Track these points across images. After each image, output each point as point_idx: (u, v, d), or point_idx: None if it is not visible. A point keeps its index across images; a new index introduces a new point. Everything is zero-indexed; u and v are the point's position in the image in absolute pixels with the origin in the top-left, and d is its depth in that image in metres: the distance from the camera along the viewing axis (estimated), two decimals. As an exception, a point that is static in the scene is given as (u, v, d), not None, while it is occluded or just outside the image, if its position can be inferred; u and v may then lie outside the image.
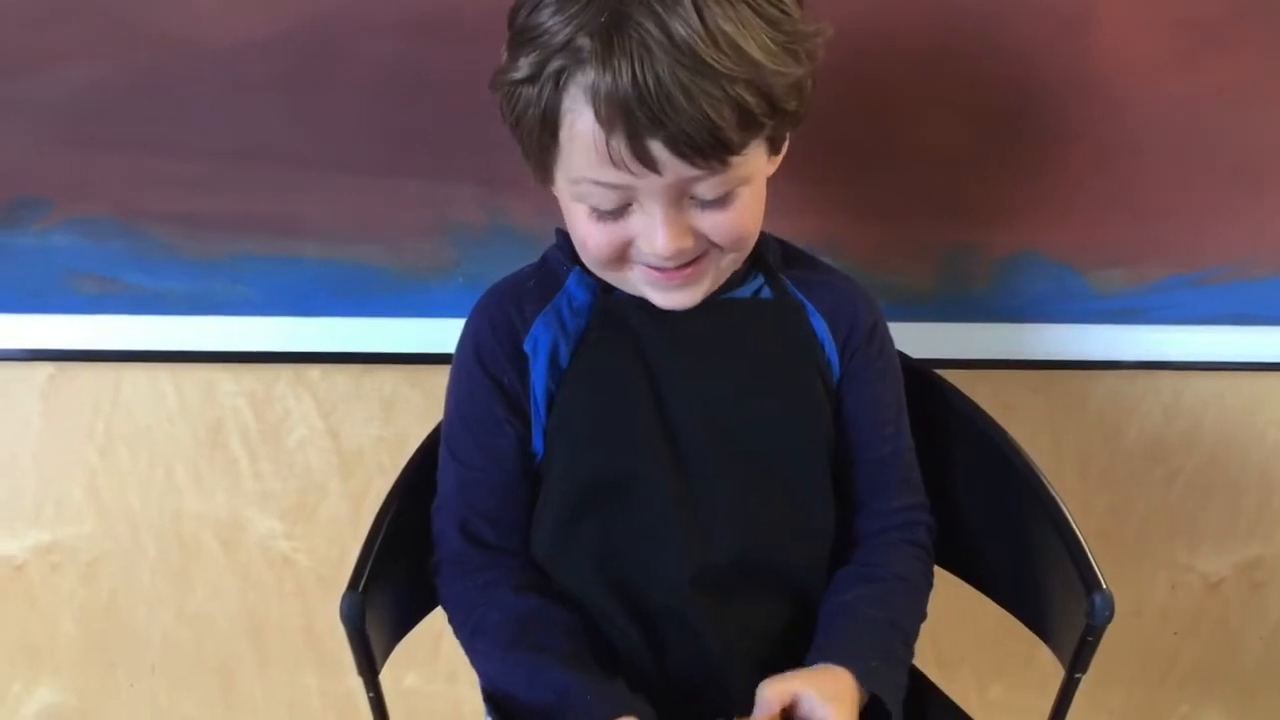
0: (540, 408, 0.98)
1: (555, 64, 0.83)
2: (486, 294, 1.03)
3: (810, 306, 1.02)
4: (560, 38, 0.83)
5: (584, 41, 0.82)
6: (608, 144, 0.83)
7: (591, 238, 0.91)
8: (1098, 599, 0.95)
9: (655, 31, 0.80)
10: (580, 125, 0.84)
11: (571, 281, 1.00)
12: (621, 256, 0.92)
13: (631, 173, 0.84)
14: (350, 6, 1.13)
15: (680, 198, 0.88)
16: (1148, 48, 1.17)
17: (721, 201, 0.89)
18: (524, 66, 0.86)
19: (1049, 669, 1.04)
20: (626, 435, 0.97)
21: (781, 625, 1.01)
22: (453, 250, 1.25)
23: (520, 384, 0.98)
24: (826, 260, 1.22)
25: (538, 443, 0.99)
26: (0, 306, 1.27)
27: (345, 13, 1.13)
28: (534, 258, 1.06)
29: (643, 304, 0.97)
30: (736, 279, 1.01)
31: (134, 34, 1.14)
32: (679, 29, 0.80)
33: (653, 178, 0.85)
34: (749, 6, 0.83)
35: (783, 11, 0.85)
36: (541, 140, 0.88)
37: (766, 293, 1.02)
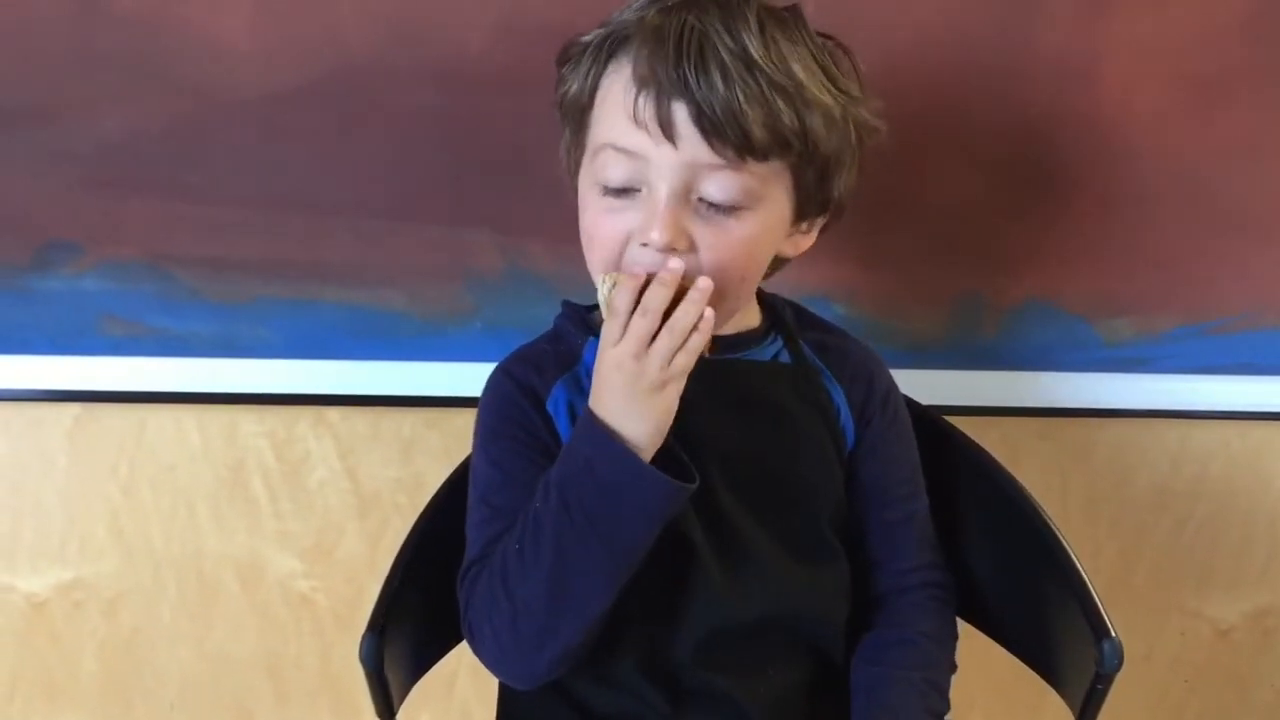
0: None
1: (614, 33, 0.90)
2: (504, 361, 1.03)
3: (827, 372, 1.03)
4: (626, 17, 0.90)
5: (647, 15, 0.88)
6: (636, 98, 0.86)
7: (599, 228, 0.92)
8: (1107, 647, 0.96)
9: (717, 24, 0.86)
10: (615, 85, 0.89)
11: (588, 353, 0.99)
12: (619, 257, 0.92)
13: (649, 136, 0.87)
14: (375, 59, 1.17)
15: (687, 191, 0.88)
16: (1154, 101, 1.19)
17: (727, 212, 0.89)
18: (590, 35, 0.92)
19: (1059, 716, 1.05)
20: None
21: (800, 682, 1.01)
22: (471, 295, 1.27)
23: (552, 439, 0.97)
24: (840, 308, 1.25)
25: None
26: (29, 348, 1.30)
27: (370, 65, 1.17)
28: (550, 303, 1.08)
29: None
30: (754, 339, 1.02)
31: (165, 83, 1.18)
32: (739, 29, 0.86)
33: (667, 149, 0.87)
34: (807, 49, 0.89)
35: (834, 67, 0.91)
36: (579, 108, 0.92)
37: (785, 356, 1.03)
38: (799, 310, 1.08)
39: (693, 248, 0.89)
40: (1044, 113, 1.20)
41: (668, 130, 0.86)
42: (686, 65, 0.84)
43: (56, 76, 1.18)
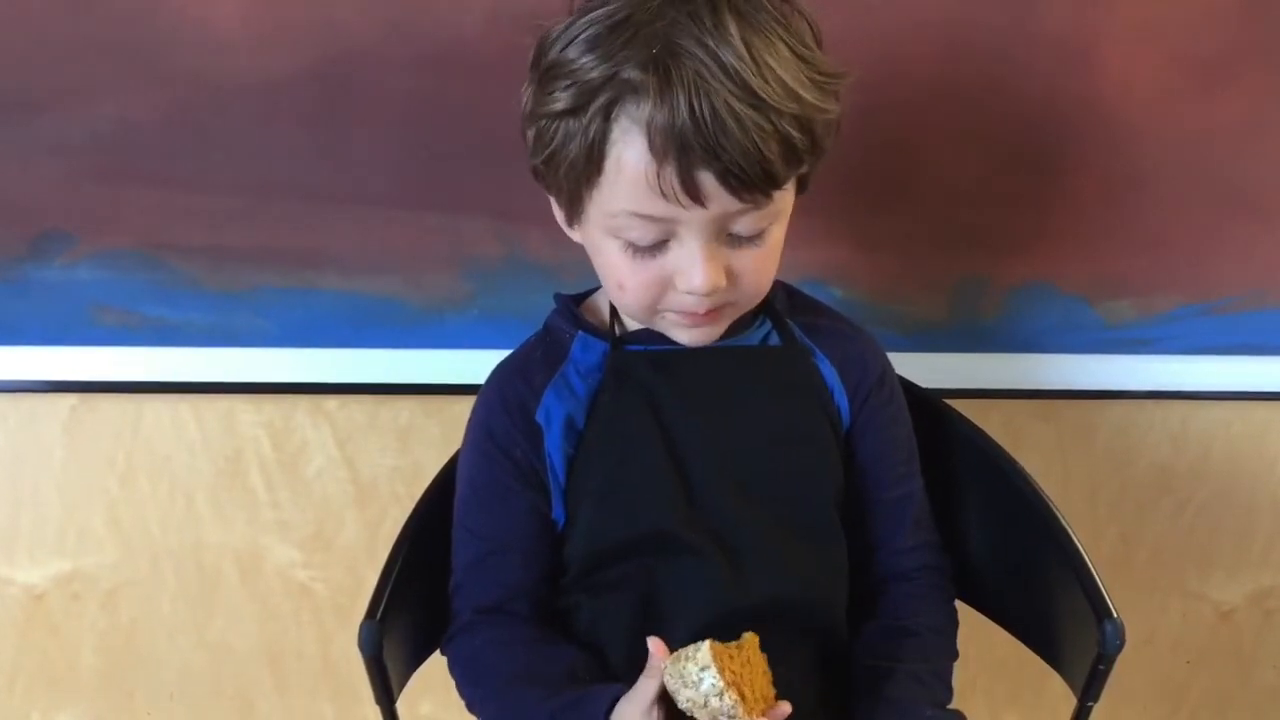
0: (559, 473, 0.98)
1: (603, 97, 0.84)
2: (495, 371, 1.04)
3: (819, 353, 1.03)
4: (600, 72, 0.84)
5: (633, 74, 0.82)
6: (659, 175, 0.83)
7: (630, 279, 0.91)
8: (1108, 627, 0.96)
9: (709, 62, 0.81)
10: (629, 156, 0.85)
11: (576, 348, 1.00)
12: (658, 302, 0.92)
13: (680, 205, 0.85)
14: (371, 45, 1.16)
15: (720, 232, 0.89)
16: (1153, 83, 1.19)
17: (756, 239, 0.90)
18: (563, 99, 0.86)
19: (1062, 698, 1.05)
20: (646, 490, 0.98)
21: (807, 663, 1.01)
22: (469, 282, 1.26)
23: (535, 455, 0.99)
24: (838, 291, 1.25)
25: (558, 510, 0.99)
26: (25, 339, 1.29)
27: (366, 51, 1.16)
28: (548, 290, 1.07)
29: (651, 358, 0.99)
30: (743, 323, 1.01)
31: (159, 71, 1.17)
32: (730, 59, 0.81)
33: (698, 210, 0.85)
34: (785, 45, 0.85)
35: (811, 52, 0.87)
36: (582, 174, 0.88)
37: (774, 339, 1.03)
38: (790, 292, 1.07)
39: (731, 280, 0.91)
40: (1044, 94, 1.19)
41: (696, 196, 0.84)
42: (704, 130, 0.81)
43: (50, 65, 1.17)
